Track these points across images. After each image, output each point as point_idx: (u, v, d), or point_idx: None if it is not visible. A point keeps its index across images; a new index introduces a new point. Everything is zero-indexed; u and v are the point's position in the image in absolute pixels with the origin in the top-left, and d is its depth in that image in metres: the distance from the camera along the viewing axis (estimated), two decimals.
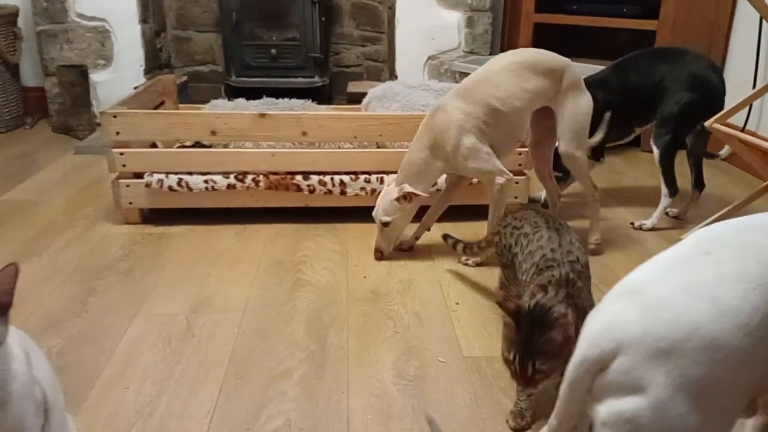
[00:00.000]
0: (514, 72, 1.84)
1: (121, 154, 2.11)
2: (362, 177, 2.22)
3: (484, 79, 1.84)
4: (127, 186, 2.15)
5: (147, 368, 1.44)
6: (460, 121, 1.81)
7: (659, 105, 2.20)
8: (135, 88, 3.32)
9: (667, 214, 2.33)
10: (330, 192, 2.21)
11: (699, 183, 2.34)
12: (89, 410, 1.30)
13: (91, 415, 1.28)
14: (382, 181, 2.22)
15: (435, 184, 1.99)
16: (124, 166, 2.13)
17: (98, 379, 1.40)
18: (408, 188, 1.86)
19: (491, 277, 1.89)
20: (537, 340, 1.13)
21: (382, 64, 3.92)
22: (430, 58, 3.51)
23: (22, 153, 3.10)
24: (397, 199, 1.88)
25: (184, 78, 3.54)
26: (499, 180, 1.86)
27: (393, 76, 3.64)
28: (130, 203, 2.17)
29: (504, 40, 3.70)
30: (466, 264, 1.96)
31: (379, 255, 1.98)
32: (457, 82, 3.07)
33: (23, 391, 0.92)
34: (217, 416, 1.29)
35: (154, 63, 3.60)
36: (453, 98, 1.85)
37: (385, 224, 1.92)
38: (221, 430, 1.25)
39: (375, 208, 1.95)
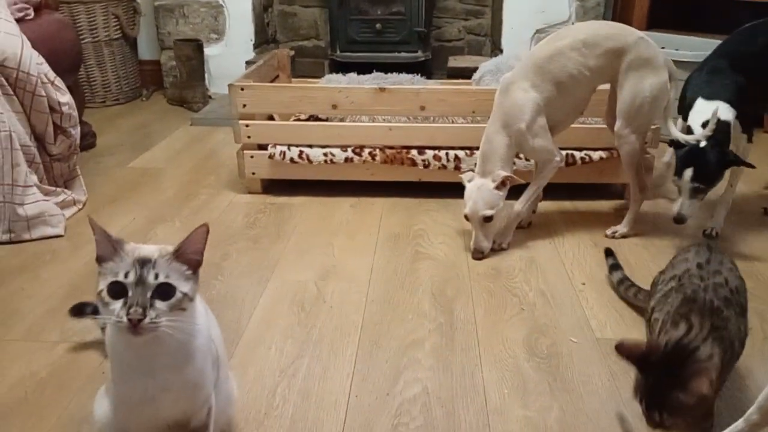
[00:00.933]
0: (578, 50, 1.83)
1: (247, 126, 2.19)
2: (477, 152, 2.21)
3: (550, 57, 1.83)
4: (251, 157, 2.23)
5: (285, 330, 1.50)
6: (536, 99, 1.83)
7: None
8: (247, 62, 3.44)
9: None
10: (444, 167, 2.21)
11: None
12: (237, 368, 1.37)
13: (238, 372, 1.35)
14: None
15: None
16: (249, 137, 2.21)
17: (241, 339, 1.48)
18: (503, 173, 1.83)
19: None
20: (670, 390, 1.00)
21: (484, 38, 3.86)
22: (537, 31, 3.42)
23: (141, 123, 3.27)
24: (497, 187, 1.83)
25: (293, 53, 3.61)
26: (558, 158, 1.90)
27: (497, 50, 3.58)
28: (253, 173, 2.25)
29: (616, 13, 3.55)
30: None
31: (480, 255, 1.86)
32: None
33: (205, 346, 0.98)
34: (356, 379, 1.33)
35: (262, 38, 3.70)
36: (524, 76, 1.85)
37: (488, 219, 1.83)
38: (362, 392, 1.29)
39: (470, 207, 1.84)
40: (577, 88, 1.87)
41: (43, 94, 1.98)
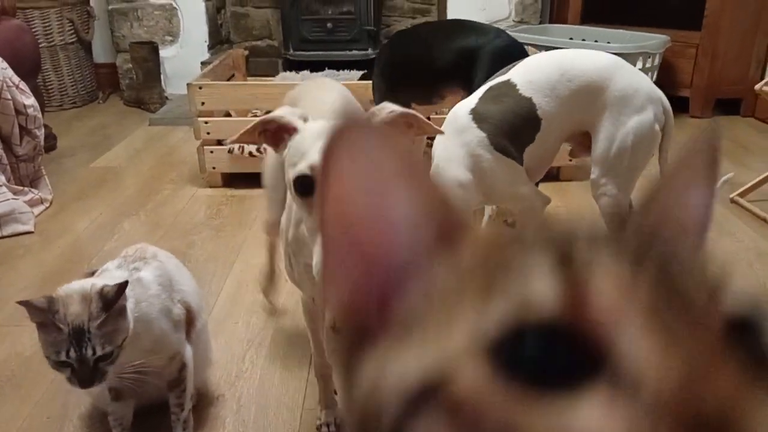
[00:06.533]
0: None
1: (206, 122, 2.32)
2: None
3: None
4: (211, 152, 2.36)
5: (250, 307, 1.65)
6: None
7: None
8: (202, 63, 3.54)
9: None
10: None
11: None
12: None
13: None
14: None
15: None
16: (208, 133, 2.33)
17: (210, 315, 1.61)
18: None
19: None
20: None
21: None
22: None
23: (100, 125, 3.34)
24: None
25: (247, 53, 3.73)
26: None
27: None
28: (214, 168, 2.38)
29: (553, 9, 3.78)
30: None
31: None
32: None
33: (160, 315, 1.13)
34: None
35: (216, 39, 3.80)
36: None
37: None
38: None
39: None
40: None
41: (9, 97, 2.07)
